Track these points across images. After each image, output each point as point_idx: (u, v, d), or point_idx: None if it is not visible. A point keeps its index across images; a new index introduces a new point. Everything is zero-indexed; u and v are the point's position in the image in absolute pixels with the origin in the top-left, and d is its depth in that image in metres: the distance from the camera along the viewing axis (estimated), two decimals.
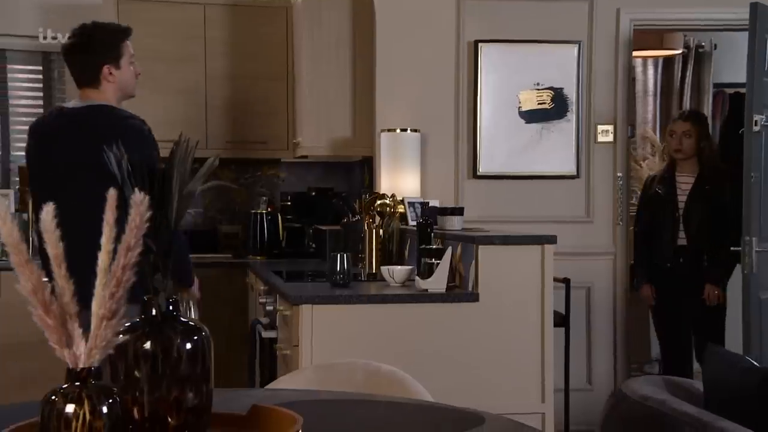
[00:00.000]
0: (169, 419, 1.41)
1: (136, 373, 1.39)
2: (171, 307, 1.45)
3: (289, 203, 5.73)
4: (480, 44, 4.94)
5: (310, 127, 5.11)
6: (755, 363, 1.96)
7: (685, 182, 4.71)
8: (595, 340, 5.06)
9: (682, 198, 4.68)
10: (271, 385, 2.22)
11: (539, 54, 5.00)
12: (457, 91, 4.95)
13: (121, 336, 1.33)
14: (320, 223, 5.40)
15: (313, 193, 5.74)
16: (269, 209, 5.58)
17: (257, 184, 5.96)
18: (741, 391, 1.90)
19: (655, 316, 4.95)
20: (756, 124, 4.35)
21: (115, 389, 1.30)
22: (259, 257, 5.39)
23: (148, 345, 1.40)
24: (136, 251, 1.31)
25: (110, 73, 3.06)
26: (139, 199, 1.31)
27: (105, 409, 1.25)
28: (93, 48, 3.06)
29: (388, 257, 4.25)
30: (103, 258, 1.29)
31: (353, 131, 5.10)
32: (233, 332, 4.84)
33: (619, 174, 5.08)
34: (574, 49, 5.02)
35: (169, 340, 1.41)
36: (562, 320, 4.46)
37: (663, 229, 4.71)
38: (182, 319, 1.47)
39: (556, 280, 4.47)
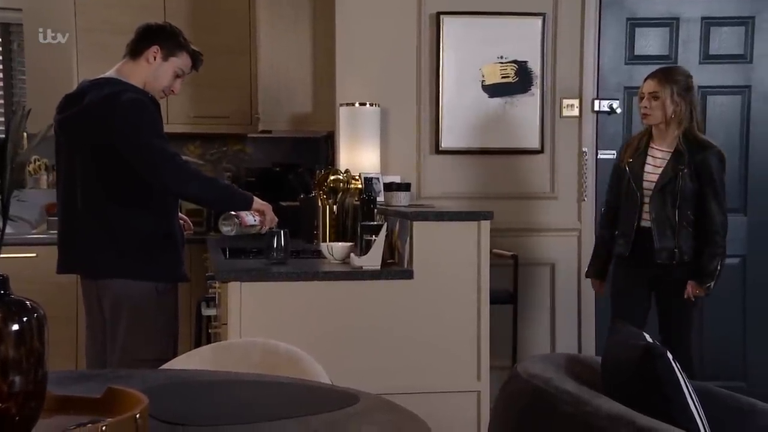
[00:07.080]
0: None
1: None
2: None
3: (253, 179, 5.65)
4: (442, 16, 4.83)
5: (270, 102, 5.03)
6: (649, 339, 1.89)
7: (660, 157, 3.95)
8: (559, 318, 4.98)
9: (651, 177, 3.93)
10: (167, 365, 2.16)
11: (503, 26, 4.89)
12: (418, 64, 4.85)
13: None
14: (286, 200, 5.31)
15: (277, 169, 5.65)
16: None
17: (223, 159, 5.88)
18: (627, 370, 1.84)
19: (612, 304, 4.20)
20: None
21: None
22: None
23: None
24: None
25: (154, 56, 3.25)
26: None
27: None
28: (162, 32, 3.30)
29: (343, 234, 4.17)
30: None
31: (313, 106, 5.02)
32: (190, 311, 4.77)
33: (584, 149, 4.98)
34: (539, 21, 4.91)
35: None
36: (510, 297, 4.36)
37: (627, 210, 4.01)
38: (13, 298, 1.40)
39: (503, 256, 4.39)
